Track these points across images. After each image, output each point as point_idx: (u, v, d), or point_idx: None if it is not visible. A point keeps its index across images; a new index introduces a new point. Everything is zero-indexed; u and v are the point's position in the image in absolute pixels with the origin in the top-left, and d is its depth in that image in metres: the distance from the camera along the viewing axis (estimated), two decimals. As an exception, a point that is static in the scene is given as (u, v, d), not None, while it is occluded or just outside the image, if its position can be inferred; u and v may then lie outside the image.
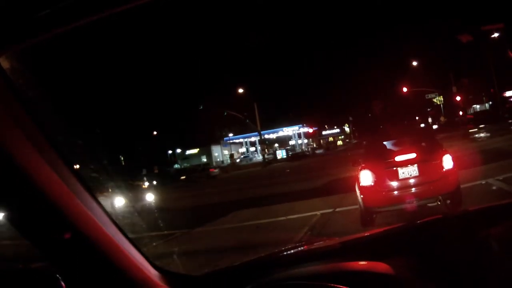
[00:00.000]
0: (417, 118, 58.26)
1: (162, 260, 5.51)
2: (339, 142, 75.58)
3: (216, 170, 42.57)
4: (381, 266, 1.41)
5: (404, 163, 6.67)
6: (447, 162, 6.69)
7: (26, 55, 1.16)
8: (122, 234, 1.34)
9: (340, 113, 73.40)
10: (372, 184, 6.75)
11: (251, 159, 60.19)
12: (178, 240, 9.12)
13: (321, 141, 77.82)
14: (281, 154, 55.00)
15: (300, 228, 7.85)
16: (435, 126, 47.36)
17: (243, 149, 69.78)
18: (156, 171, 45.78)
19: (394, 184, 6.68)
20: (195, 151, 65.31)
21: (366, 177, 6.81)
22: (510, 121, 22.42)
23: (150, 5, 1.14)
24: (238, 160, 56.72)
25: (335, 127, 79.78)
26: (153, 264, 1.44)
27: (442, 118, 47.85)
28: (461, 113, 39.00)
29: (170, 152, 65.61)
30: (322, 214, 8.92)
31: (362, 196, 6.92)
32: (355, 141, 62.50)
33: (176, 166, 59.99)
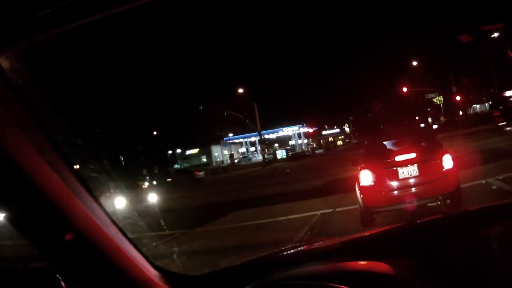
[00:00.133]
0: (417, 118, 58.30)
1: (162, 260, 5.51)
2: (339, 142, 75.57)
3: (201, 173, 40.56)
4: (381, 266, 1.41)
5: (404, 163, 6.67)
6: (447, 162, 6.69)
7: (26, 55, 1.16)
8: (122, 234, 1.34)
9: (340, 113, 73.48)
10: (372, 184, 6.75)
11: (250, 159, 60.17)
12: (178, 240, 9.12)
13: (321, 141, 77.79)
14: (281, 154, 54.96)
15: (300, 228, 7.85)
16: (435, 126, 47.39)
17: (243, 149, 69.77)
18: (156, 171, 45.82)
19: (394, 184, 6.68)
20: (195, 151, 65.30)
21: (366, 177, 6.81)
22: None
23: (150, 5, 1.14)
24: (236, 161, 56.62)
25: (335, 127, 79.77)
26: (153, 264, 1.45)
27: (442, 118, 47.89)
28: (461, 113, 38.98)
29: (170, 152, 65.67)
30: (322, 214, 8.92)
31: (362, 196, 6.92)
32: (355, 141, 62.60)
33: (176, 166, 60.01)
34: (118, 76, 55.54)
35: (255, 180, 24.44)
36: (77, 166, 1.31)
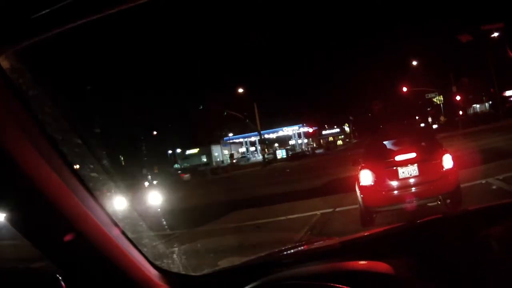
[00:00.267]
0: (417, 117, 58.29)
1: (162, 260, 5.50)
2: (339, 142, 75.52)
3: (187, 176, 39.79)
4: (381, 266, 1.41)
5: (404, 163, 6.67)
6: (447, 161, 6.70)
7: (26, 55, 1.16)
8: (122, 234, 1.34)
9: (340, 113, 73.39)
10: (372, 183, 6.75)
11: (249, 159, 60.16)
12: (178, 240, 9.11)
13: (321, 140, 77.73)
14: (281, 154, 54.91)
15: (300, 228, 7.85)
16: (435, 126, 47.37)
17: (243, 149, 69.75)
18: (156, 171, 45.75)
19: (394, 183, 6.69)
20: (195, 151, 65.25)
21: (366, 177, 6.82)
22: None
23: (150, 5, 1.14)
24: (235, 161, 56.58)
25: (335, 126, 79.73)
26: (153, 264, 1.45)
27: (442, 118, 47.87)
28: (461, 112, 38.98)
29: (170, 152, 65.61)
30: (322, 213, 8.92)
31: (362, 195, 6.92)
32: (355, 140, 62.59)
33: (176, 166, 59.97)
34: (118, 76, 55.60)
35: (255, 179, 24.43)
36: (77, 166, 1.31)
